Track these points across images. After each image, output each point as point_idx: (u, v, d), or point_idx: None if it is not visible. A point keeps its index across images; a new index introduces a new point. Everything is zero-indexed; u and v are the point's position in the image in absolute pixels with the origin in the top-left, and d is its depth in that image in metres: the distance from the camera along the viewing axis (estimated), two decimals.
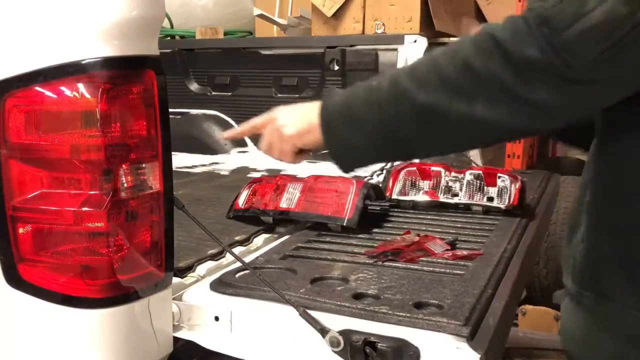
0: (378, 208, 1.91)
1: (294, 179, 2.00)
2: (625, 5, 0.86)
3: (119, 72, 1.14)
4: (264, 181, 2.02)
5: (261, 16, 3.78)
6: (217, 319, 1.34)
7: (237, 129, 1.34)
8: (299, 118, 1.19)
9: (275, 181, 1.97)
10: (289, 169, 2.86)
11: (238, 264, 1.49)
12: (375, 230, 1.89)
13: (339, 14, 3.41)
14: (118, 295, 1.18)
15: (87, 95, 1.11)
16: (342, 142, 1.09)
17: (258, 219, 1.93)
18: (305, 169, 2.78)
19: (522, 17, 0.91)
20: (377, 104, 1.00)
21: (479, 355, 1.15)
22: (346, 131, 1.06)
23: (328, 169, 2.77)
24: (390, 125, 1.00)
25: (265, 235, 1.85)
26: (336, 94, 1.13)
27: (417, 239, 1.72)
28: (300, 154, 1.22)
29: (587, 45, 0.87)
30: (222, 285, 1.41)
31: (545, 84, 0.90)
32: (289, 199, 1.89)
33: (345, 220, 1.81)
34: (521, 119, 0.94)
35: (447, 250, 1.66)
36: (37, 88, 1.12)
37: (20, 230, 1.16)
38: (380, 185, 2.30)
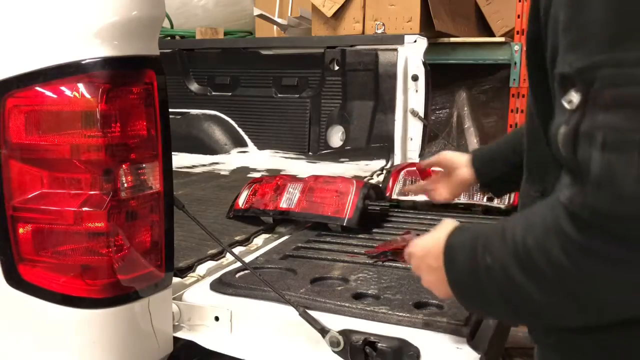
0: (378, 208, 1.92)
1: (294, 179, 2.00)
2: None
3: (119, 72, 1.14)
4: (264, 181, 2.02)
5: (261, 16, 3.78)
6: (217, 319, 1.34)
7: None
8: (429, 267, 1.09)
9: (275, 181, 1.97)
10: (289, 169, 2.87)
11: (238, 264, 1.49)
12: (375, 230, 1.89)
13: (339, 14, 3.41)
14: (118, 295, 1.18)
15: (87, 95, 1.11)
16: (467, 301, 1.03)
17: (258, 218, 1.93)
18: (305, 169, 2.79)
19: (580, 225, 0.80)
20: (498, 291, 0.94)
21: (479, 355, 1.15)
22: (471, 295, 1.01)
23: (328, 168, 2.78)
24: (512, 307, 0.95)
25: (265, 235, 1.85)
26: (457, 250, 1.02)
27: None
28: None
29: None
30: (222, 285, 1.41)
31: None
32: (289, 199, 1.89)
33: (346, 220, 1.82)
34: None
35: None
36: (37, 88, 1.12)
37: (21, 230, 1.16)
38: (381, 185, 2.30)
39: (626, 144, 0.73)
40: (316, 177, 1.97)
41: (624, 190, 0.74)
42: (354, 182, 1.91)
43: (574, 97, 0.77)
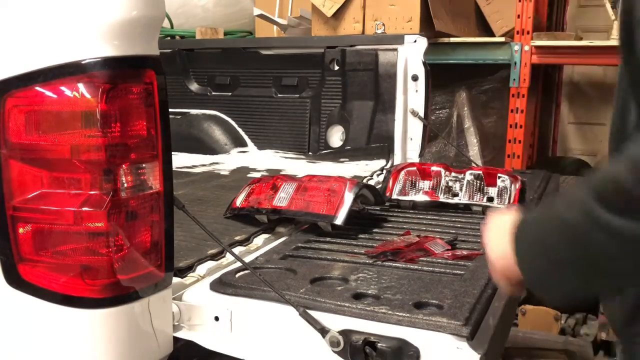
0: (371, 208, 1.91)
1: (290, 178, 2.00)
2: None
3: (119, 72, 1.14)
4: (262, 181, 2.02)
5: (261, 16, 3.78)
6: (217, 319, 1.34)
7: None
8: (495, 244, 1.12)
9: (272, 181, 1.97)
10: (289, 169, 2.87)
11: (238, 264, 1.49)
12: (375, 230, 1.89)
13: (339, 14, 3.42)
14: (118, 295, 1.18)
15: (87, 95, 1.11)
16: (541, 280, 1.02)
17: (254, 217, 1.93)
18: (305, 169, 2.79)
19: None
20: (581, 245, 0.94)
21: (479, 355, 1.15)
22: (545, 271, 1.00)
23: (328, 168, 2.78)
24: (599, 262, 0.94)
25: (265, 235, 1.85)
26: (523, 221, 1.05)
27: (416, 239, 1.72)
28: (516, 285, 1.11)
29: None
30: (222, 285, 1.41)
31: None
32: (283, 197, 1.89)
33: (336, 218, 1.80)
34: None
35: (447, 250, 1.66)
36: (37, 88, 1.12)
37: (20, 230, 1.16)
38: (380, 185, 2.30)
39: None
40: (311, 177, 1.97)
41: None
42: (347, 181, 1.91)
43: None
